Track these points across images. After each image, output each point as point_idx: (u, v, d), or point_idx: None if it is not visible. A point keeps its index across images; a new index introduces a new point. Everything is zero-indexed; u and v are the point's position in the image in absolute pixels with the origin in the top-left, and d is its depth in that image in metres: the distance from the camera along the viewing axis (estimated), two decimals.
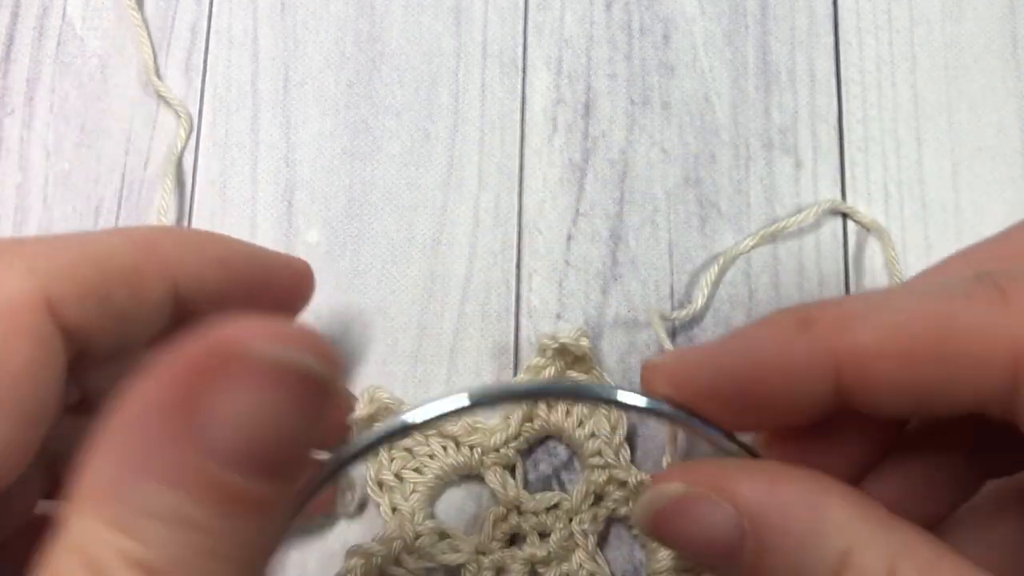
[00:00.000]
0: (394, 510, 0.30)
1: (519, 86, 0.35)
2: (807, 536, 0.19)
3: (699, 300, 0.32)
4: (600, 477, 0.30)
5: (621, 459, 0.29)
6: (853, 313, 0.19)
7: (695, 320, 0.33)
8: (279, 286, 0.27)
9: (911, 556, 0.19)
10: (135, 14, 0.35)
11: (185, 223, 0.34)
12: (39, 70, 0.36)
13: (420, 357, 0.32)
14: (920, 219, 0.34)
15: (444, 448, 0.31)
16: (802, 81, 0.35)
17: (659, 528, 0.21)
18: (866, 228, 0.33)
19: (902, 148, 0.34)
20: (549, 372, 0.31)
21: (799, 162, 0.34)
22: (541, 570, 0.30)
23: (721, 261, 0.32)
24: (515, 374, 0.32)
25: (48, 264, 0.21)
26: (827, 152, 0.34)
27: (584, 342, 0.30)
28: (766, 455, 0.22)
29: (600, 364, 0.31)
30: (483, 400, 0.20)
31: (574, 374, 0.31)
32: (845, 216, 0.34)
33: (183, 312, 0.24)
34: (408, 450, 0.31)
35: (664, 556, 0.30)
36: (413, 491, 0.30)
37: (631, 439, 0.31)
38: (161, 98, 0.35)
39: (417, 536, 0.29)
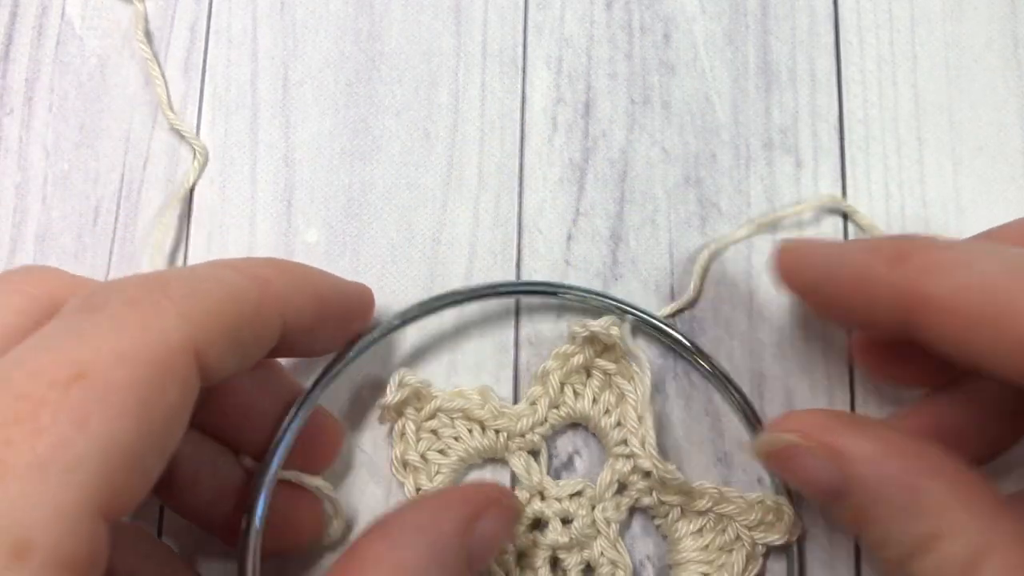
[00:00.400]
0: (418, 490, 0.30)
1: (519, 86, 0.35)
2: (900, 511, 0.21)
3: (691, 288, 0.32)
4: (624, 466, 0.30)
5: (647, 449, 0.29)
6: (939, 263, 0.21)
7: (690, 308, 0.33)
8: (354, 313, 0.29)
9: (1002, 553, 0.20)
10: (144, 47, 0.35)
11: (184, 224, 0.34)
12: (38, 70, 0.36)
13: (421, 356, 0.32)
14: (921, 219, 0.34)
15: (470, 431, 0.31)
16: (803, 80, 0.35)
17: (772, 466, 0.26)
18: (863, 230, 0.33)
19: (903, 147, 0.34)
20: (578, 360, 0.31)
21: (800, 162, 0.34)
22: (563, 556, 0.30)
23: (712, 248, 0.33)
24: (515, 373, 0.32)
25: (195, 310, 0.21)
26: (828, 152, 0.34)
27: (615, 331, 0.30)
28: (859, 359, 0.28)
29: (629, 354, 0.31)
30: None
31: (603, 363, 0.31)
32: (845, 216, 0.34)
33: (281, 343, 0.25)
34: (434, 432, 0.31)
35: (686, 547, 0.30)
36: (437, 472, 0.30)
37: (658, 431, 0.31)
38: (175, 131, 0.34)
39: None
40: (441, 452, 0.31)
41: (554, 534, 0.30)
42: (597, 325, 0.30)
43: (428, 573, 0.23)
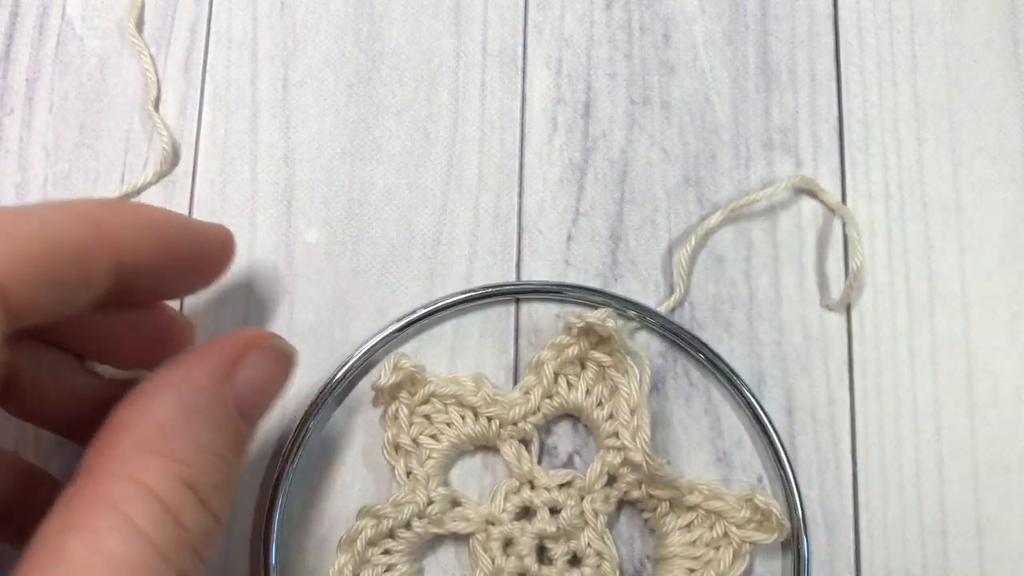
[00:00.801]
0: (408, 474, 0.30)
1: (519, 86, 0.35)
2: None
3: (680, 285, 0.32)
4: (615, 459, 0.30)
5: (638, 443, 0.29)
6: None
7: (681, 306, 0.33)
8: (208, 254, 0.28)
9: None
10: (136, 39, 0.35)
11: None
12: (39, 70, 0.36)
13: (421, 356, 0.32)
14: (921, 218, 0.34)
15: (463, 417, 0.31)
16: (802, 81, 0.35)
17: None
18: (831, 209, 0.33)
19: (903, 148, 0.34)
20: (572, 351, 0.31)
21: (799, 161, 0.34)
22: (549, 545, 0.30)
23: (692, 240, 0.33)
24: (515, 373, 0.32)
25: (4, 248, 0.21)
26: (827, 152, 0.34)
27: (610, 323, 0.30)
28: None
29: (624, 347, 0.31)
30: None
31: (598, 355, 0.31)
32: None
33: (120, 283, 0.24)
34: (427, 416, 0.31)
35: (673, 542, 0.30)
36: (428, 457, 0.31)
37: (655, 428, 0.31)
38: (154, 127, 0.35)
39: (430, 502, 0.30)
40: (433, 437, 0.31)
41: (541, 523, 0.30)
42: (593, 316, 0.30)
43: (187, 427, 0.23)
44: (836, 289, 0.33)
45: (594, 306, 0.32)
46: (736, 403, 0.32)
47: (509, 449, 0.31)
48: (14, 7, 0.36)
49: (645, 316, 0.32)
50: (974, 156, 0.34)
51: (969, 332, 0.33)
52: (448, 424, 0.31)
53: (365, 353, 0.32)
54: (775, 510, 0.29)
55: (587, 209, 0.34)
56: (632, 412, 0.30)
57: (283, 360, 0.26)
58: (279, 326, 0.33)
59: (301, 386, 0.32)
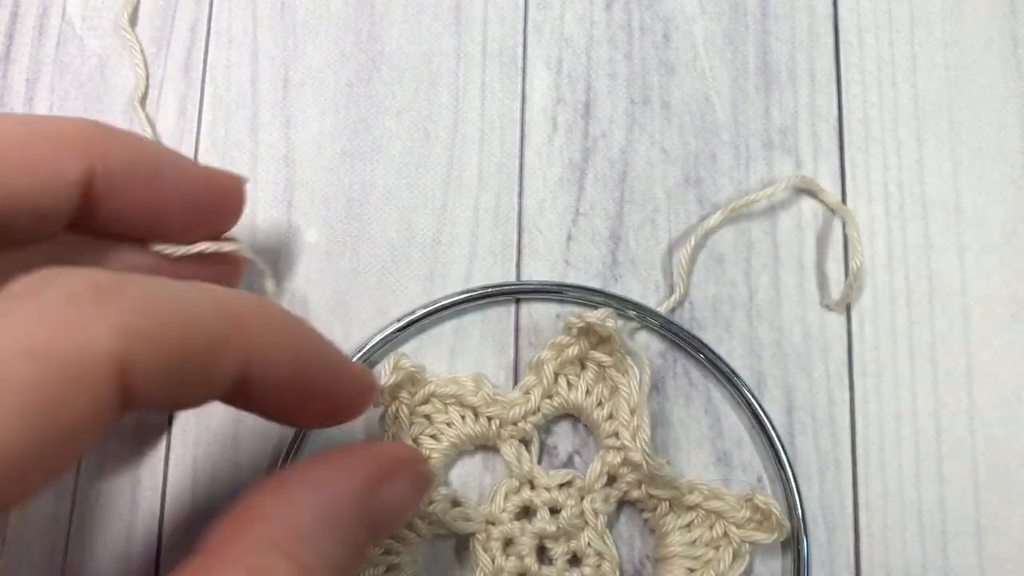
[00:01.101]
0: None
1: (519, 86, 0.35)
2: None
3: (680, 285, 0.32)
4: (615, 459, 0.30)
5: (638, 443, 0.29)
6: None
7: (681, 306, 0.33)
8: (344, 393, 0.25)
9: None
10: (129, 35, 0.35)
11: None
12: (38, 70, 0.36)
13: (421, 356, 0.32)
14: (921, 219, 0.34)
15: (463, 417, 0.31)
16: (802, 81, 0.35)
17: None
18: (831, 209, 0.33)
19: (903, 148, 0.34)
20: (572, 351, 0.31)
21: (799, 162, 0.34)
22: (549, 545, 0.30)
23: (692, 240, 0.33)
24: (515, 373, 0.32)
25: (138, 327, 0.19)
26: (827, 152, 0.34)
27: (610, 323, 0.30)
28: None
29: (624, 347, 0.31)
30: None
31: (598, 355, 0.31)
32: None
33: (243, 390, 0.22)
34: (427, 416, 0.31)
35: (673, 542, 0.30)
36: (428, 457, 0.30)
37: (655, 428, 0.31)
38: (137, 118, 0.35)
39: (430, 502, 0.30)
40: (433, 437, 0.31)
41: (541, 523, 0.30)
42: (593, 316, 0.30)
43: (322, 536, 0.22)
44: (836, 289, 0.33)
45: (594, 306, 0.32)
46: (736, 403, 0.32)
47: (509, 449, 0.31)
48: (14, 7, 0.36)
49: (645, 316, 0.32)
50: (974, 156, 0.34)
51: (969, 332, 0.33)
52: (448, 424, 0.31)
53: (365, 353, 0.32)
54: (775, 510, 0.29)
55: (587, 209, 0.34)
56: (632, 412, 0.30)
57: (425, 485, 0.26)
58: None
59: None
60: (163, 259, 0.26)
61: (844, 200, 0.34)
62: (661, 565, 0.30)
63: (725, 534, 0.30)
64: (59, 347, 0.18)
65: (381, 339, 0.32)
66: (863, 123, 0.35)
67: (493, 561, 0.30)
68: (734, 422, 0.32)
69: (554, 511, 0.30)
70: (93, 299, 0.18)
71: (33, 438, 0.17)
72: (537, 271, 0.33)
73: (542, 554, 0.30)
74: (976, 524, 0.31)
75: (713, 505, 0.30)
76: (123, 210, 0.24)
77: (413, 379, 0.31)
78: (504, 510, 0.30)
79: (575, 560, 0.30)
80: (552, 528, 0.30)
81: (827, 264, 0.33)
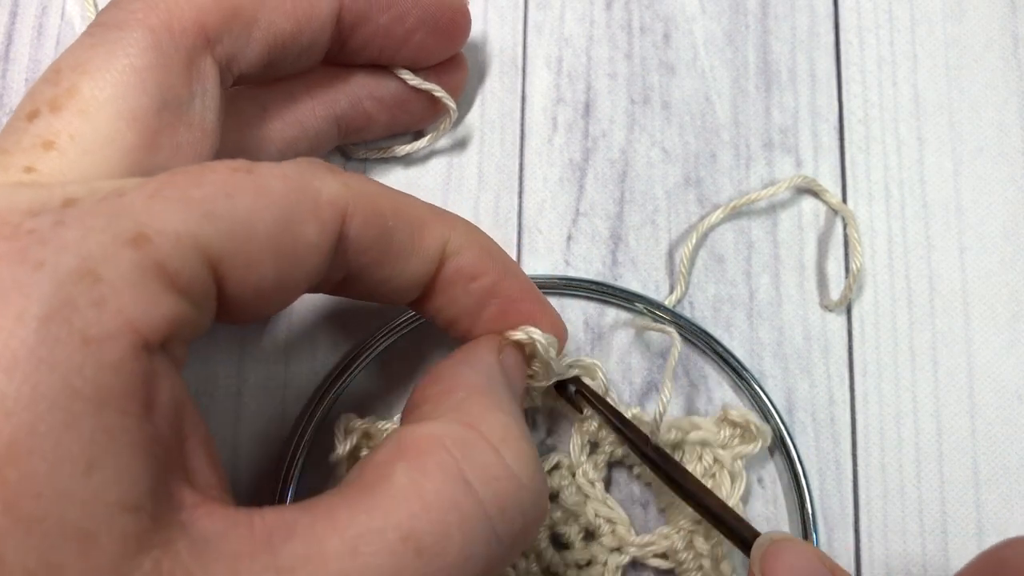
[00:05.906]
0: None
1: (519, 86, 0.35)
2: None
3: (680, 285, 0.33)
4: (590, 426, 0.31)
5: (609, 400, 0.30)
6: None
7: (683, 303, 0.33)
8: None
9: None
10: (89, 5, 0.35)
11: None
12: (38, 70, 0.35)
13: (421, 356, 0.32)
14: (921, 219, 0.34)
15: None
16: (803, 80, 0.35)
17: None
18: (832, 209, 0.33)
19: (903, 148, 0.34)
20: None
21: (800, 161, 0.34)
22: (562, 530, 0.30)
23: (692, 240, 0.33)
24: None
25: (359, 189, 0.24)
26: (828, 152, 0.34)
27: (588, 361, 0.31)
28: None
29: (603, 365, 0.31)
30: None
31: (586, 380, 0.31)
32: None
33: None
34: None
35: (669, 491, 0.30)
36: None
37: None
38: None
39: None
40: None
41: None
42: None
43: (501, 389, 0.25)
44: (836, 289, 0.33)
45: (598, 300, 0.32)
46: (744, 395, 0.32)
47: None
48: (14, 7, 0.36)
49: (653, 310, 0.32)
50: (974, 156, 0.34)
51: (969, 332, 0.33)
52: None
53: (368, 352, 0.31)
54: (751, 418, 0.30)
55: (587, 209, 0.34)
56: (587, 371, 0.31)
57: (526, 354, 0.28)
58: (280, 325, 0.33)
59: (303, 387, 0.32)
60: (403, 86, 0.31)
61: (844, 200, 0.34)
62: (670, 512, 0.30)
63: (716, 460, 0.30)
64: (299, 180, 0.22)
65: (383, 338, 0.32)
66: (863, 123, 0.35)
67: (515, 567, 0.30)
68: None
69: (554, 497, 0.30)
70: (328, 168, 0.24)
71: (274, 233, 0.21)
72: (537, 271, 0.33)
73: (557, 541, 0.31)
74: (976, 524, 0.31)
75: (694, 436, 0.30)
76: (369, 36, 0.29)
77: (368, 433, 0.30)
78: None
79: (589, 535, 0.30)
80: (558, 513, 0.30)
81: (827, 264, 0.33)
